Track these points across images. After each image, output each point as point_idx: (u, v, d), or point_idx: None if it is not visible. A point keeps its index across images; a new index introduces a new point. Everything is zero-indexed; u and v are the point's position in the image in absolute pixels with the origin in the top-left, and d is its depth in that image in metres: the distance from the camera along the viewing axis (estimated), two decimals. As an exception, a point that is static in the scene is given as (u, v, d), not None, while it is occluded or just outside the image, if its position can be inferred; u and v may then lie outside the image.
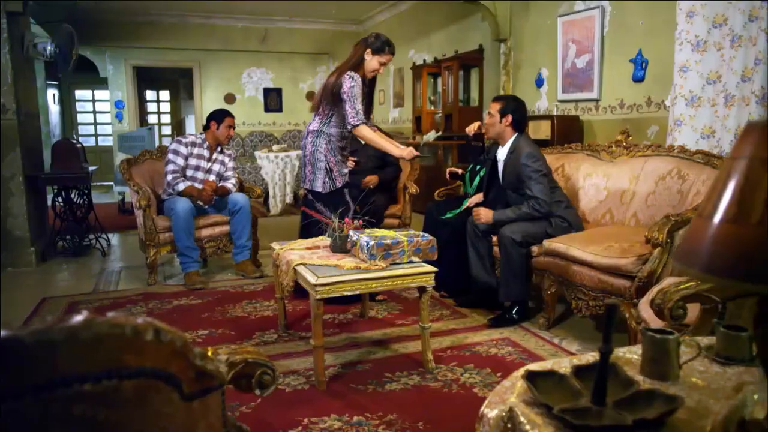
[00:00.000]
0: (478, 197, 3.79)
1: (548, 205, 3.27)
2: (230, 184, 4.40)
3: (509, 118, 3.41)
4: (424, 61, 7.64)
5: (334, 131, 3.51)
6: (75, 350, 0.63)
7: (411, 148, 3.53)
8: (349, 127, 3.43)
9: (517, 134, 3.45)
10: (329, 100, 3.46)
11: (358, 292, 2.61)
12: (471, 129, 3.89)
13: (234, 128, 4.43)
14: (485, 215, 3.39)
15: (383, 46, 3.50)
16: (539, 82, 5.33)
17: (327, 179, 3.51)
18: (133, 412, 0.72)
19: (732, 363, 1.21)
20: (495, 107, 3.46)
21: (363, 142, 4.77)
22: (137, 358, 0.71)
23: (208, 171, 4.35)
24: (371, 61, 3.50)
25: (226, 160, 4.48)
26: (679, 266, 0.82)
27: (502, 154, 3.51)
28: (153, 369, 0.74)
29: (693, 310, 1.80)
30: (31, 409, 0.62)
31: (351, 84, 3.38)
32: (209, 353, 1.10)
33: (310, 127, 3.56)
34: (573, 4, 4.83)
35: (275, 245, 3.11)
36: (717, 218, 0.78)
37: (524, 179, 3.29)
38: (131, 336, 0.69)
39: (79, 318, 0.64)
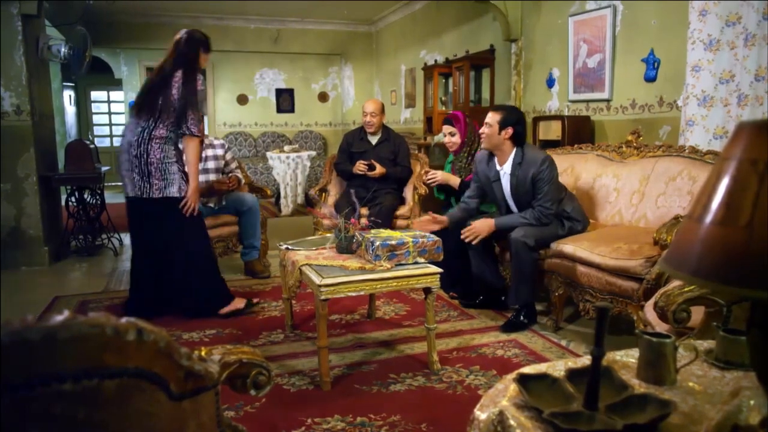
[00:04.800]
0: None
1: (553, 215, 3.22)
2: (237, 174, 4.35)
3: (509, 131, 3.22)
4: (436, 61, 7.62)
5: (177, 137, 3.29)
6: (53, 350, 0.64)
7: (194, 198, 3.28)
8: (187, 133, 3.19)
9: (517, 148, 3.28)
10: (176, 104, 3.20)
11: (362, 293, 2.61)
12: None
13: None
14: (481, 227, 3.28)
15: (210, 44, 3.31)
16: (550, 82, 5.28)
17: (183, 183, 3.27)
18: (115, 412, 0.73)
19: (731, 367, 1.18)
20: (494, 117, 3.24)
21: (373, 143, 4.81)
22: (119, 358, 0.71)
23: (205, 171, 4.21)
24: (203, 61, 3.31)
25: (220, 152, 4.33)
26: (668, 270, 0.81)
27: (506, 168, 3.33)
28: (136, 368, 0.74)
29: (699, 314, 1.77)
30: (8, 409, 0.62)
31: (202, 87, 3.20)
32: (203, 353, 1.11)
33: (155, 133, 3.20)
34: (584, 3, 4.78)
35: (282, 245, 3.12)
36: (706, 220, 0.76)
37: (538, 187, 3.19)
38: (112, 336, 0.69)
39: (58, 318, 0.64)
